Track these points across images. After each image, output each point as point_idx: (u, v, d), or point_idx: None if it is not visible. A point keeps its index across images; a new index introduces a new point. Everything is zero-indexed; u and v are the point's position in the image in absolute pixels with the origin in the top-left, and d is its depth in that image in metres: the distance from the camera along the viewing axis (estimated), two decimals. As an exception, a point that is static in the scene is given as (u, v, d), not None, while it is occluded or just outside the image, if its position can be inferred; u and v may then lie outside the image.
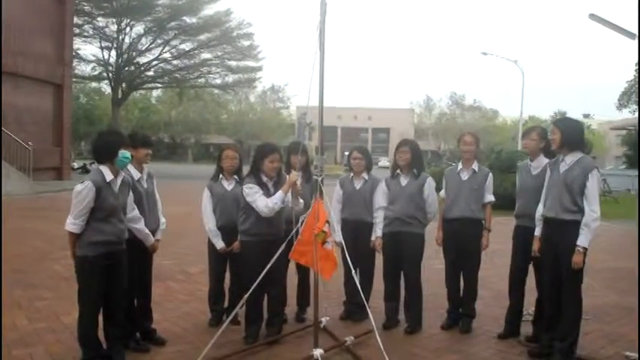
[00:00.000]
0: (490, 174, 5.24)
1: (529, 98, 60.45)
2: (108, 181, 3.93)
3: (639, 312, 5.36)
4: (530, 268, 4.92)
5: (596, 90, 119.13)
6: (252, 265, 4.56)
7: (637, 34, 14.54)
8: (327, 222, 4.33)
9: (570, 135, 4.33)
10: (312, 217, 4.35)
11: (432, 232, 5.34)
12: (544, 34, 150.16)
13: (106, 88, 51.42)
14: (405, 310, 5.25)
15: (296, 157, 5.09)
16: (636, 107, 31.49)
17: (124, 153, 3.98)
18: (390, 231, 5.17)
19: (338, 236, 4.93)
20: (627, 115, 35.69)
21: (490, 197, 5.19)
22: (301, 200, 4.75)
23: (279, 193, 4.51)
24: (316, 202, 4.36)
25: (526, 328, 5.03)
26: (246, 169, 4.96)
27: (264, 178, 4.68)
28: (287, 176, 4.67)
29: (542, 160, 4.81)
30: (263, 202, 4.49)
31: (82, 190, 3.83)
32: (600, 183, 4.27)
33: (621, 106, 35.27)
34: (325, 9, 4.19)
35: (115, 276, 4.07)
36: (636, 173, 24.19)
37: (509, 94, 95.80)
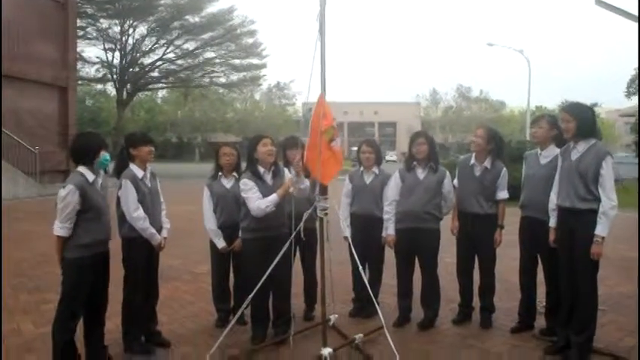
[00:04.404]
0: (504, 170, 5.04)
1: (535, 88, 60.29)
2: (91, 181, 3.94)
3: (639, 305, 5.21)
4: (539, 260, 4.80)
5: (604, 78, 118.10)
6: (254, 264, 4.48)
7: (637, 23, 14.30)
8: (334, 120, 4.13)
9: (585, 122, 4.18)
10: (317, 114, 4.12)
11: (447, 224, 5.22)
12: (549, 23, 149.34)
13: (111, 89, 51.52)
14: (423, 306, 5.15)
15: (292, 152, 5.00)
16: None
17: (104, 156, 4.00)
18: (405, 227, 5.04)
19: (346, 231, 4.83)
20: (636, 102, 35.27)
21: (503, 195, 5.03)
22: (306, 180, 4.61)
23: (274, 196, 4.40)
24: (320, 97, 4.14)
25: (540, 321, 4.90)
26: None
27: (261, 169, 4.59)
28: (285, 170, 4.62)
29: (554, 150, 4.65)
30: (255, 204, 4.40)
31: (67, 195, 3.83)
32: (615, 169, 4.14)
33: (630, 93, 34.89)
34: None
35: (101, 276, 4.12)
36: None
37: (515, 84, 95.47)
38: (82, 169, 3.96)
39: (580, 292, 4.20)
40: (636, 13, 15.01)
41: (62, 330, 3.95)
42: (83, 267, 3.92)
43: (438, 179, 5.01)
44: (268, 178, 4.59)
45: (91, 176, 3.95)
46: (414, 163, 5.08)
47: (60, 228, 3.89)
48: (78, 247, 3.90)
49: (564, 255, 4.30)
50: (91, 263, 3.95)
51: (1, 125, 16.82)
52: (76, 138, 4.15)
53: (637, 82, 31.76)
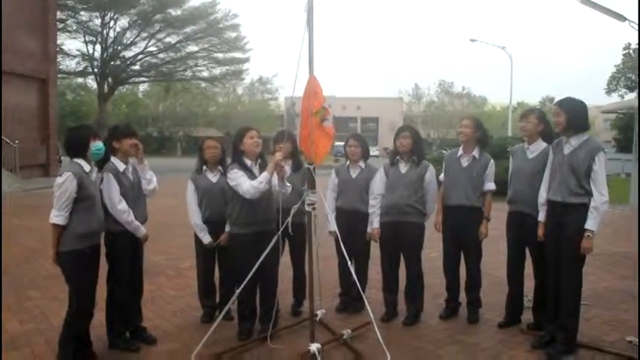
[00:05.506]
0: (492, 161, 5.04)
1: (517, 84, 60.47)
2: (87, 171, 3.95)
3: (639, 297, 5.27)
4: (528, 254, 4.82)
5: (583, 75, 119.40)
6: (242, 259, 4.44)
7: (637, 16, 14.40)
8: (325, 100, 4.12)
9: (576, 116, 4.19)
10: (307, 96, 4.09)
11: (431, 218, 5.22)
12: (532, 19, 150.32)
13: (91, 83, 50.80)
14: (407, 301, 5.14)
15: (281, 145, 4.97)
16: (626, 91, 31.57)
17: (97, 145, 4.00)
18: (388, 221, 5.03)
19: (332, 226, 4.81)
20: (616, 99, 35.67)
21: (490, 186, 5.02)
22: (289, 184, 4.60)
23: (264, 174, 4.33)
24: (311, 79, 4.09)
25: (527, 316, 4.92)
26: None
27: (248, 162, 4.55)
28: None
29: (541, 144, 4.66)
30: (247, 183, 4.34)
31: (64, 182, 3.81)
32: (606, 165, 4.18)
33: (610, 90, 35.31)
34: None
35: (95, 269, 4.09)
36: (626, 157, 24.21)
37: (497, 80, 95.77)
38: (77, 160, 3.95)
39: (564, 285, 4.22)
40: (620, 11, 15.08)
41: (74, 324, 3.96)
42: (81, 259, 3.90)
43: (420, 173, 4.99)
44: (255, 170, 4.54)
45: (87, 167, 3.96)
46: (397, 157, 5.08)
47: (56, 216, 3.83)
48: (73, 239, 3.86)
49: (551, 249, 4.31)
50: (86, 255, 3.92)
51: (1, 126, 16.52)
52: (67, 133, 4.14)
53: (621, 78, 32.16)
